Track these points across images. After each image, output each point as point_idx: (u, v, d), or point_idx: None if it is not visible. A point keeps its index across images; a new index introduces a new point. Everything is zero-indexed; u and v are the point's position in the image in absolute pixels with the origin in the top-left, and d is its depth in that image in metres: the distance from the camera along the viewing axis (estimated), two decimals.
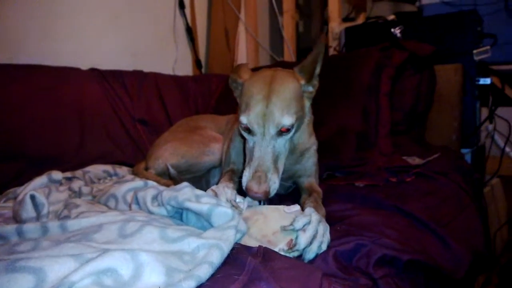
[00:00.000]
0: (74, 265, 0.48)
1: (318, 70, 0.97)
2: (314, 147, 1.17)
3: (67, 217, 0.84)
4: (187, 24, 2.30)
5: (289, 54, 2.68)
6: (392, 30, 1.91)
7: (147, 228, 0.64)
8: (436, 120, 1.72)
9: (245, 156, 0.97)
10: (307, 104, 1.02)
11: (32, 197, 0.83)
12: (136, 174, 1.40)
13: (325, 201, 1.04)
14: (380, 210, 0.99)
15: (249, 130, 0.91)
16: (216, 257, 0.55)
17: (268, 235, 0.73)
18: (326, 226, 0.77)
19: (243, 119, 0.90)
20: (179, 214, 0.84)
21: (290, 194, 1.20)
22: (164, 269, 0.49)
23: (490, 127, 1.91)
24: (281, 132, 0.89)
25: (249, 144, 0.93)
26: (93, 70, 1.70)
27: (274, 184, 0.85)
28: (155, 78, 1.91)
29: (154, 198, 0.87)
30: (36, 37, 1.64)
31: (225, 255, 0.59)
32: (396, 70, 1.59)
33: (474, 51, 1.71)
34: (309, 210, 0.77)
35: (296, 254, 0.70)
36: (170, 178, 1.30)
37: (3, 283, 0.44)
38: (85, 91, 1.60)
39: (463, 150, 1.79)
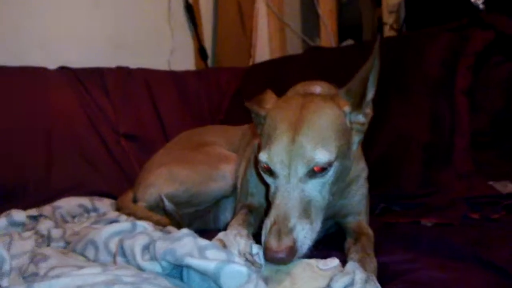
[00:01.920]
0: None
1: (371, 94, 0.99)
2: (364, 175, 1.20)
3: (35, 275, 0.90)
4: (186, 0, 2.37)
5: (326, 36, 2.71)
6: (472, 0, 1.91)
7: None
8: None
9: (267, 209, 0.99)
10: (356, 139, 1.03)
11: None
12: (120, 208, 1.47)
13: (378, 248, 1.07)
14: (454, 261, 1.01)
15: (270, 172, 0.94)
16: None
17: None
18: (376, 287, 0.79)
19: (262, 156, 0.94)
20: (178, 271, 0.89)
21: (329, 236, 1.23)
22: None
23: None
24: (314, 172, 0.91)
25: (271, 190, 0.95)
26: (63, 69, 1.80)
27: (302, 232, 0.85)
28: (145, 76, 2.00)
29: (146, 248, 0.93)
30: None
31: None
32: (478, 57, 1.59)
33: None
34: (352, 265, 0.80)
35: None
36: (165, 213, 1.36)
37: None
38: (53, 98, 1.69)
39: None
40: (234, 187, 1.46)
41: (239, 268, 0.76)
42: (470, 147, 1.48)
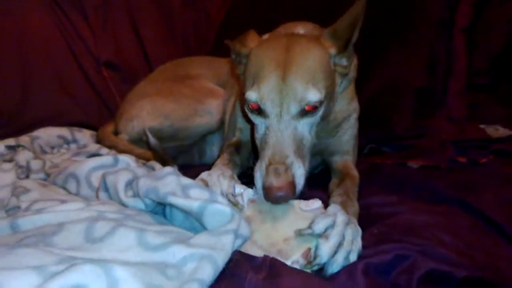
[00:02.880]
0: (36, 280, 0.57)
1: (355, 37, 1.01)
2: (355, 115, 1.24)
3: (17, 208, 0.95)
4: None
5: None
6: None
7: (121, 230, 0.74)
8: None
9: (254, 145, 1.03)
10: (339, 81, 1.07)
11: None
12: (101, 140, 1.50)
13: (362, 190, 1.12)
14: (438, 205, 1.06)
15: (259, 111, 0.97)
16: (208, 274, 0.65)
17: (278, 242, 0.81)
18: (357, 230, 0.85)
19: (251, 95, 0.97)
20: (161, 208, 0.94)
21: (316, 176, 1.28)
22: (142, 286, 0.59)
23: None
24: (305, 111, 0.95)
25: (260, 130, 0.99)
26: None
27: (299, 170, 0.91)
28: (127, 0, 1.96)
29: (128, 184, 0.97)
30: None
31: (220, 269, 0.68)
32: None
33: None
34: (334, 208, 0.85)
35: (315, 268, 0.79)
36: (148, 147, 1.40)
37: None
38: (28, 22, 1.67)
39: None
40: (221, 122, 1.49)
41: (222, 207, 0.81)
42: (465, 90, 1.51)
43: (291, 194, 0.88)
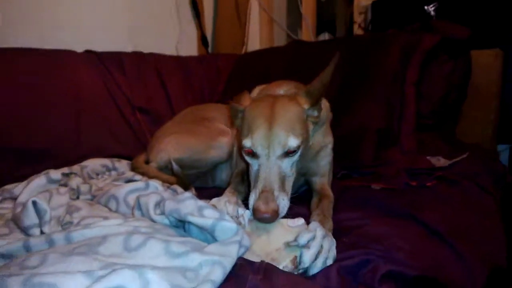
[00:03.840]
0: (86, 281, 0.59)
1: (322, 96, 1.08)
2: (330, 146, 1.28)
3: (70, 223, 0.96)
4: None
5: (307, 32, 2.72)
6: (426, 7, 1.94)
7: (151, 242, 0.75)
8: (469, 113, 1.77)
9: (249, 181, 1.06)
10: (311, 127, 1.12)
11: (34, 203, 0.95)
12: (135, 168, 1.51)
13: (336, 206, 1.14)
14: (394, 218, 1.08)
15: (252, 154, 1.02)
16: (218, 275, 0.66)
17: (272, 252, 0.83)
18: (332, 241, 0.86)
19: (246, 142, 1.01)
20: (182, 224, 0.95)
21: (300, 196, 1.29)
22: (169, 287, 0.61)
23: None
24: (287, 153, 0.99)
25: (253, 168, 1.03)
26: (88, 53, 1.80)
27: (283, 202, 0.94)
28: (156, 60, 2.00)
29: (157, 205, 0.98)
30: (22, 17, 1.74)
31: (227, 272, 0.69)
32: (426, 55, 1.63)
33: None
34: (314, 224, 0.87)
35: (301, 271, 0.80)
36: (172, 173, 1.41)
37: None
38: (81, 76, 1.70)
39: (501, 146, 1.85)
40: (229, 155, 1.51)
41: (230, 224, 0.82)
42: (414, 130, 1.54)
43: (275, 218, 0.91)
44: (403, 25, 1.80)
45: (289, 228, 0.88)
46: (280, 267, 0.78)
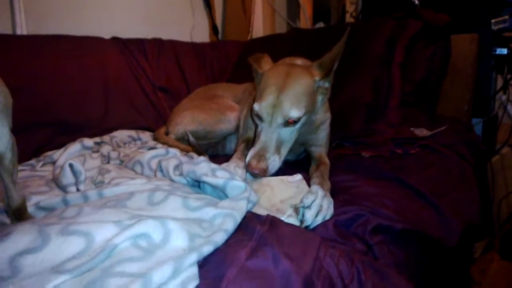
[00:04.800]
0: (115, 229, 0.57)
1: (335, 67, 1.02)
2: (329, 121, 1.24)
3: (101, 182, 0.94)
4: None
5: (305, 20, 2.63)
6: None
7: (172, 197, 0.73)
8: (448, 91, 1.72)
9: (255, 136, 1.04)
10: (320, 98, 1.07)
11: (71, 165, 0.93)
12: (157, 138, 1.49)
13: (332, 171, 1.12)
14: (381, 181, 1.05)
15: (259, 117, 0.99)
16: (230, 225, 0.64)
17: (276, 204, 0.81)
18: (330, 200, 0.84)
19: (256, 106, 0.98)
20: (197, 183, 0.93)
21: (300, 163, 1.27)
22: (187, 235, 0.59)
23: (504, 97, 1.90)
24: (288, 122, 0.96)
25: (258, 128, 1.00)
26: (115, 39, 1.75)
27: (273, 163, 0.93)
28: (173, 45, 1.95)
29: (176, 167, 0.97)
30: (60, 8, 1.69)
31: (238, 223, 0.68)
32: (410, 40, 1.57)
33: (492, 21, 1.66)
34: (315, 187, 0.85)
35: (303, 226, 0.78)
36: (188, 143, 1.39)
37: (60, 243, 0.54)
38: (108, 60, 1.66)
39: (475, 120, 1.81)
40: (237, 127, 1.48)
41: (239, 183, 0.80)
42: (399, 106, 1.49)
43: (263, 174, 0.92)
44: (390, 14, 1.73)
45: (288, 183, 0.87)
46: (285, 215, 0.77)
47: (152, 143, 1.38)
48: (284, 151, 0.98)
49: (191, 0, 2.23)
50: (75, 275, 0.48)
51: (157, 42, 1.90)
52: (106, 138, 1.36)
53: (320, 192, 0.83)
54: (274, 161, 0.94)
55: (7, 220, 0.79)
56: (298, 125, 0.98)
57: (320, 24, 2.72)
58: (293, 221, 0.78)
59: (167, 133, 1.51)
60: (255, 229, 0.67)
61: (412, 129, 1.38)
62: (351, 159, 1.23)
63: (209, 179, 0.82)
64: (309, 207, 0.79)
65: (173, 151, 1.16)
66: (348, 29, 1.02)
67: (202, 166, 0.86)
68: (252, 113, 1.03)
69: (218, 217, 0.67)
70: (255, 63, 1.10)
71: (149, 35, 1.92)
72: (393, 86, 1.50)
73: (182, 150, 1.28)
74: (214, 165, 0.88)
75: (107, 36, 1.75)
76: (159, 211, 0.70)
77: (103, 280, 0.47)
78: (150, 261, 0.52)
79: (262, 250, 0.60)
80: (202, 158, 0.91)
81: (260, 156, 0.92)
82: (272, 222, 0.72)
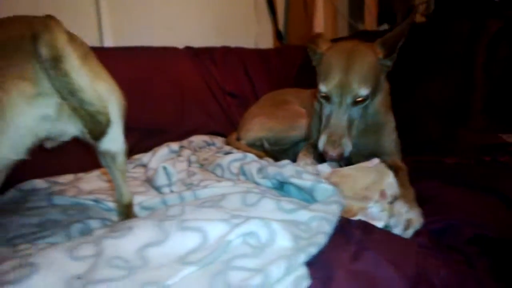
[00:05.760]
0: (225, 227, 0.62)
1: (399, 45, 1.01)
2: (392, 125, 1.20)
3: (191, 184, 1.01)
4: None
5: (370, 22, 2.58)
6: None
7: (265, 200, 0.77)
8: None
9: (318, 125, 1.04)
10: (382, 76, 1.06)
11: (164, 168, 1.02)
12: (229, 144, 1.56)
13: (412, 178, 1.08)
14: (470, 189, 1.00)
15: (327, 98, 1.00)
16: (328, 228, 0.67)
17: (360, 192, 0.83)
18: (418, 210, 0.83)
19: (323, 87, 0.99)
20: (281, 186, 0.97)
21: None
22: (291, 236, 0.62)
23: None
24: (356, 102, 0.97)
25: (325, 110, 1.01)
26: (187, 48, 1.86)
27: (347, 147, 0.95)
28: (240, 52, 2.02)
29: (259, 171, 1.01)
30: (139, 21, 1.84)
31: (333, 226, 0.70)
32: (492, 39, 1.49)
33: None
34: (398, 205, 0.84)
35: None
36: (262, 149, 1.44)
37: (179, 238, 0.60)
38: (182, 68, 1.77)
39: None
40: (306, 134, 1.51)
41: (327, 186, 0.82)
42: (484, 109, 1.41)
43: (340, 158, 0.94)
44: (467, 13, 1.65)
45: (368, 169, 0.88)
46: (372, 202, 0.78)
47: (227, 148, 1.45)
48: (354, 132, 0.99)
49: (255, 7, 2.31)
50: (199, 266, 0.54)
51: (225, 50, 1.99)
52: (184, 143, 1.46)
53: (404, 207, 0.82)
54: (347, 144, 0.95)
55: (113, 218, 0.88)
56: (365, 103, 0.99)
57: (385, 26, 2.66)
58: (381, 206, 0.79)
59: (238, 139, 1.57)
60: (351, 232, 0.69)
61: (500, 134, 1.30)
62: (432, 166, 1.20)
63: (296, 180, 0.86)
64: (396, 225, 0.79)
65: (251, 155, 1.21)
66: (415, 9, 1.01)
67: (288, 169, 0.90)
68: (318, 95, 1.03)
69: (314, 220, 0.70)
70: (312, 44, 1.09)
71: (218, 43, 2.02)
72: (476, 88, 1.43)
73: (255, 155, 1.33)
74: (298, 168, 0.91)
75: (180, 45, 1.86)
76: (254, 212, 0.75)
77: (226, 273, 0.52)
78: (263, 258, 0.56)
79: (363, 254, 0.62)
80: (286, 161, 0.95)
81: (334, 140, 0.93)
82: (365, 226, 0.73)
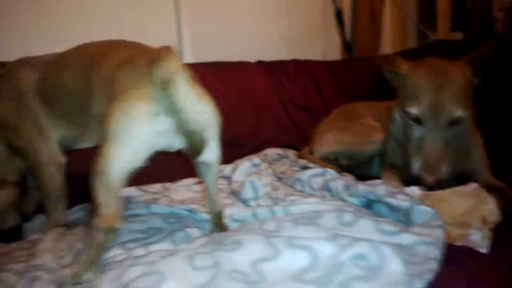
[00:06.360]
0: (334, 248, 0.63)
1: (486, 63, 0.97)
2: (480, 142, 1.14)
3: (277, 199, 1.04)
4: (337, 8, 2.34)
5: (443, 28, 2.46)
6: None
7: (362, 220, 0.77)
8: None
9: (398, 145, 1.00)
10: (470, 95, 1.01)
11: (251, 182, 1.06)
12: (302, 157, 1.57)
13: None
14: None
15: (417, 120, 0.96)
16: (438, 254, 0.65)
17: (457, 217, 0.80)
18: None
19: (413, 110, 0.95)
20: (368, 205, 0.96)
21: None
22: (401, 260, 0.61)
23: None
24: (452, 123, 0.93)
25: (416, 132, 0.97)
26: (260, 63, 1.92)
27: (444, 172, 0.91)
28: (310, 65, 2.04)
29: (345, 188, 1.01)
30: (216, 37, 1.93)
31: (440, 251, 0.68)
32: None
33: None
34: None
35: (490, 227, 0.75)
36: (338, 164, 1.43)
37: (289, 255, 0.63)
38: (256, 81, 1.83)
39: None
40: (381, 149, 1.47)
41: (426, 208, 0.80)
42: None
43: (437, 185, 0.91)
44: None
45: (466, 194, 0.84)
46: (473, 229, 0.74)
47: (302, 161, 1.46)
48: (448, 155, 0.94)
49: (323, 19, 2.32)
50: (317, 286, 0.55)
51: (295, 63, 2.02)
52: (260, 155, 1.50)
53: None
54: (444, 168, 0.91)
55: (207, 228, 0.93)
56: (461, 124, 0.94)
57: (459, 35, 2.52)
58: (483, 233, 0.75)
59: (310, 152, 1.58)
60: (459, 259, 0.66)
61: None
62: None
63: (392, 200, 0.85)
64: None
65: (331, 171, 1.21)
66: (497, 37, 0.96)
67: (381, 188, 0.90)
68: (406, 117, 1.00)
69: (419, 244, 0.69)
70: (389, 65, 1.06)
71: (287, 56, 2.06)
72: None
73: (329, 169, 1.32)
74: (391, 188, 0.90)
75: (252, 59, 1.93)
76: (353, 232, 0.75)
77: None
78: (377, 282, 0.57)
79: (479, 284, 0.59)
80: (378, 180, 0.94)
81: (431, 165, 0.90)
82: (471, 252, 0.71)
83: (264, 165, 1.37)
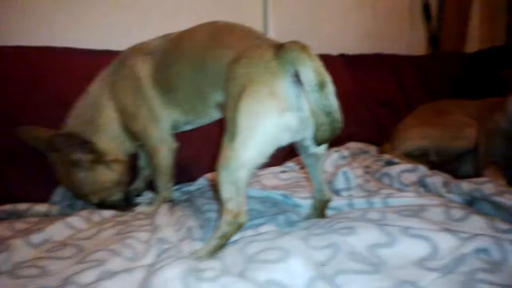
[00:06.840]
0: (455, 240, 0.64)
1: None
2: None
3: (370, 191, 1.05)
4: (426, 1, 2.25)
5: None
6: None
7: (473, 216, 0.76)
8: None
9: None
10: None
11: (344, 173, 1.08)
12: (383, 153, 1.55)
13: None
14: None
15: None
16: None
17: None
18: None
19: None
20: (470, 202, 0.94)
21: None
22: None
23: None
24: None
25: None
26: (342, 56, 1.92)
27: None
28: (392, 59, 2.00)
29: (444, 184, 1.00)
30: (300, 31, 1.97)
31: None
32: None
33: None
34: None
35: None
36: (423, 159, 1.40)
37: (407, 243, 0.65)
38: (337, 75, 1.78)
39: None
40: (474, 146, 1.41)
41: None
42: None
43: None
44: None
45: None
46: None
47: (386, 156, 1.45)
48: None
49: (409, 12, 2.24)
50: (442, 274, 0.57)
51: (377, 57, 1.99)
52: (343, 149, 1.50)
53: None
54: None
55: (302, 213, 0.96)
56: None
57: None
58: None
59: (392, 149, 1.55)
60: None
61: None
62: None
63: (498, 199, 0.82)
64: None
65: (422, 167, 1.19)
66: None
67: (488, 186, 0.87)
68: None
69: None
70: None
71: (370, 49, 2.03)
72: None
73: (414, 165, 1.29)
74: (500, 187, 0.87)
75: (334, 52, 1.93)
76: (463, 227, 0.74)
77: (474, 285, 0.54)
78: (502, 275, 0.57)
79: None
80: (483, 178, 0.92)
81: None
82: None
83: (349, 158, 1.39)
